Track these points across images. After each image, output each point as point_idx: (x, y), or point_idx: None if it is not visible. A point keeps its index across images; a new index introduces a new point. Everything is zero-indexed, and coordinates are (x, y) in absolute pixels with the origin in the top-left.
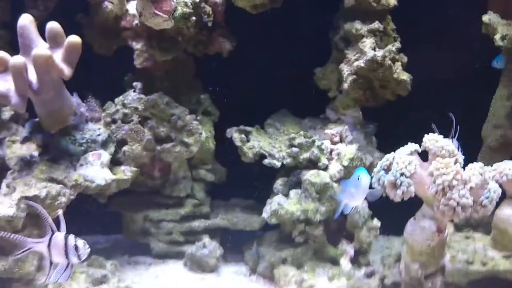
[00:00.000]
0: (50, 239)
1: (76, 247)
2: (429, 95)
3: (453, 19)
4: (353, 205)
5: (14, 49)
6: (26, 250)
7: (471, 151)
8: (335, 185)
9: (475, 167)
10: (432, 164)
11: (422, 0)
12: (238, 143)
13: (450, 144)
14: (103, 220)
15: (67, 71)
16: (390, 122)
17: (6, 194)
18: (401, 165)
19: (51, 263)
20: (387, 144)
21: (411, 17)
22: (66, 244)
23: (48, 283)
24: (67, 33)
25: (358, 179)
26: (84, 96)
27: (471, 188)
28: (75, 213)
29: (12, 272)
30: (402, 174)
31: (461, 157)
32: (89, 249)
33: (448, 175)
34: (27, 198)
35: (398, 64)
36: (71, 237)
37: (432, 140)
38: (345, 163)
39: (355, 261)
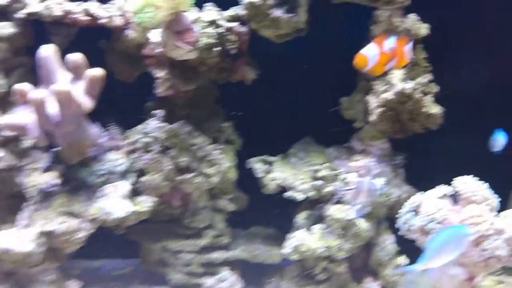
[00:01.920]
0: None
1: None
2: (460, 127)
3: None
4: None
5: (36, 76)
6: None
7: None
8: (360, 221)
9: (511, 215)
10: (464, 211)
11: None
12: (260, 174)
13: (483, 189)
14: (123, 244)
15: (88, 104)
16: (419, 154)
17: (24, 227)
18: (431, 211)
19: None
20: (416, 177)
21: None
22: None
23: None
24: (89, 59)
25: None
26: (106, 122)
27: (506, 238)
28: (94, 236)
29: None
30: (432, 220)
31: (495, 202)
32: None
33: (482, 225)
34: (45, 233)
35: (429, 96)
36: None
37: (464, 183)
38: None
39: None
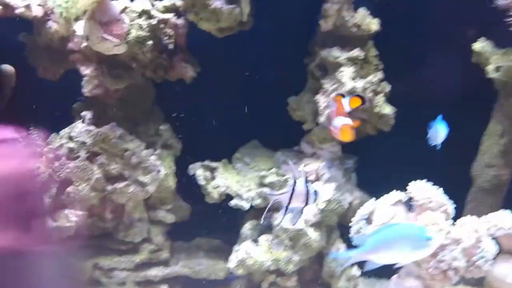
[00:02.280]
0: (293, 189)
1: (315, 192)
2: (413, 126)
3: (439, 45)
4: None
5: None
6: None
7: (459, 192)
8: (310, 230)
9: (468, 223)
10: (419, 219)
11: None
12: (202, 182)
13: (439, 194)
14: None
15: None
16: (371, 156)
17: None
18: (384, 219)
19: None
20: (368, 181)
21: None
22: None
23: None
24: (7, 55)
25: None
26: (25, 126)
27: (463, 248)
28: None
29: None
30: None
31: (451, 208)
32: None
33: (438, 234)
34: None
35: (380, 96)
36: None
37: (419, 189)
38: (321, 206)
39: None
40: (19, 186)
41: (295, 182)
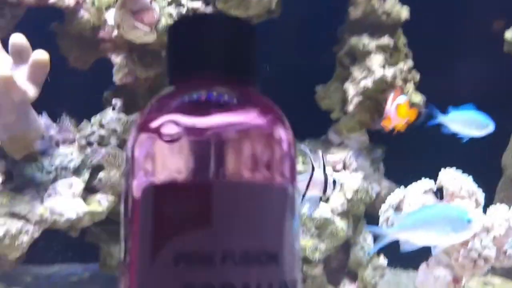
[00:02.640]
0: (311, 176)
1: (334, 182)
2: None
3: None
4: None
5: None
6: None
7: (489, 182)
8: (337, 219)
9: (499, 212)
10: None
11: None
12: None
13: (469, 183)
14: (81, 248)
15: (32, 92)
16: (399, 146)
17: None
18: (414, 208)
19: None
20: (396, 171)
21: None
22: (325, 179)
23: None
24: (40, 45)
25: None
26: (58, 115)
27: (494, 237)
28: (50, 239)
29: None
30: None
31: (481, 197)
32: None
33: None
34: None
35: (410, 84)
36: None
37: (450, 177)
38: (349, 195)
39: None
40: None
41: (313, 170)
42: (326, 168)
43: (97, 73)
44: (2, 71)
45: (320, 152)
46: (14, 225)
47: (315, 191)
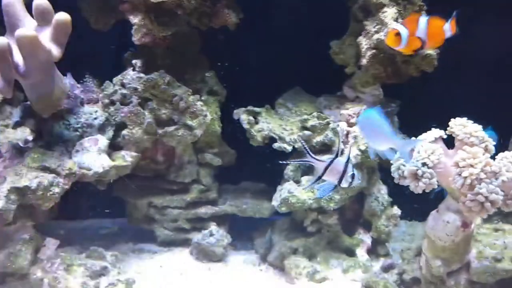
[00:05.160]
0: (331, 162)
1: (352, 176)
2: (456, 71)
3: None
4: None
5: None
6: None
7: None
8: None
9: (507, 157)
10: (458, 153)
11: None
12: (246, 126)
13: (479, 130)
14: (109, 203)
15: (56, 52)
16: (413, 100)
17: None
18: (423, 154)
19: (319, 178)
20: (410, 124)
21: None
22: (344, 170)
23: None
24: (61, 8)
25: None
26: (81, 76)
27: (502, 181)
28: (80, 196)
29: (5, 266)
30: (424, 164)
31: (491, 144)
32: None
33: (476, 167)
34: (17, 189)
35: None
36: (351, 166)
37: (459, 125)
38: (363, 147)
39: (373, 251)
40: None
41: (336, 156)
42: (350, 160)
43: (117, 34)
44: (28, 32)
45: (350, 144)
46: (46, 178)
47: (331, 178)
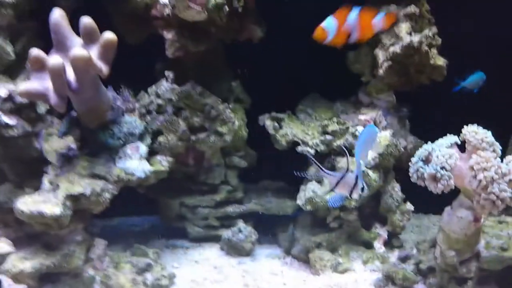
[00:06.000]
0: (343, 176)
1: (362, 189)
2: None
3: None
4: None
5: (42, 40)
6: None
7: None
8: (370, 172)
9: None
10: (472, 158)
11: None
12: (271, 131)
13: (489, 136)
14: (138, 201)
15: (105, 69)
16: (423, 105)
17: (50, 191)
18: (441, 159)
19: (332, 190)
20: (420, 127)
21: None
22: (355, 184)
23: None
24: (96, 22)
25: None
26: (115, 86)
27: (510, 180)
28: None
29: (61, 266)
30: (442, 168)
31: (498, 148)
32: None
33: (490, 170)
34: (72, 196)
35: (434, 49)
36: (361, 179)
37: (472, 132)
38: (380, 150)
39: (388, 243)
40: None
41: (347, 170)
42: (361, 174)
43: (148, 48)
44: (83, 52)
45: (360, 160)
46: (98, 184)
47: (342, 190)
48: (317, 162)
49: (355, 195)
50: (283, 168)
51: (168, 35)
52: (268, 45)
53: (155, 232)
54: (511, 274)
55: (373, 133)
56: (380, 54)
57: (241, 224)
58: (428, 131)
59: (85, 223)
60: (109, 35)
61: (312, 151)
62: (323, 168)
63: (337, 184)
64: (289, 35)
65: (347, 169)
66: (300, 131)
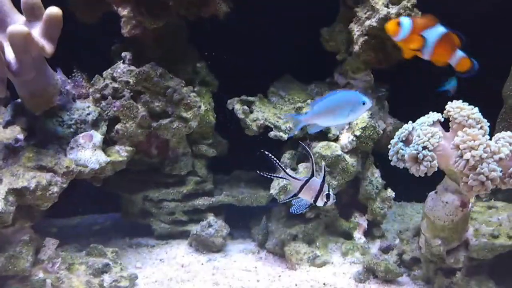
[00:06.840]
0: (307, 180)
1: (327, 195)
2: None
3: None
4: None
5: None
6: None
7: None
8: (347, 156)
9: (504, 137)
10: (457, 135)
11: None
12: (240, 116)
13: (476, 112)
14: (100, 198)
15: (48, 48)
16: (402, 84)
17: None
18: (423, 138)
19: (295, 195)
20: (400, 108)
21: None
22: (320, 190)
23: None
24: (46, 1)
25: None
26: (69, 70)
27: (500, 159)
28: (70, 191)
29: (6, 269)
30: (424, 148)
31: (486, 125)
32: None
33: (478, 149)
34: (15, 190)
35: None
36: (326, 185)
37: (457, 108)
38: (357, 132)
39: (369, 233)
40: None
41: (312, 175)
42: (326, 180)
43: (104, 26)
44: (20, 28)
45: (323, 164)
46: (44, 177)
47: (307, 196)
48: (280, 164)
49: (320, 203)
50: (256, 156)
51: (123, 11)
52: (237, 22)
53: (117, 231)
54: (503, 263)
55: (357, 102)
56: (356, 29)
57: (211, 217)
58: (408, 113)
59: (33, 221)
60: (52, 10)
61: (286, 136)
62: (287, 171)
63: (301, 189)
64: (260, 10)
65: (312, 173)
66: (272, 114)
